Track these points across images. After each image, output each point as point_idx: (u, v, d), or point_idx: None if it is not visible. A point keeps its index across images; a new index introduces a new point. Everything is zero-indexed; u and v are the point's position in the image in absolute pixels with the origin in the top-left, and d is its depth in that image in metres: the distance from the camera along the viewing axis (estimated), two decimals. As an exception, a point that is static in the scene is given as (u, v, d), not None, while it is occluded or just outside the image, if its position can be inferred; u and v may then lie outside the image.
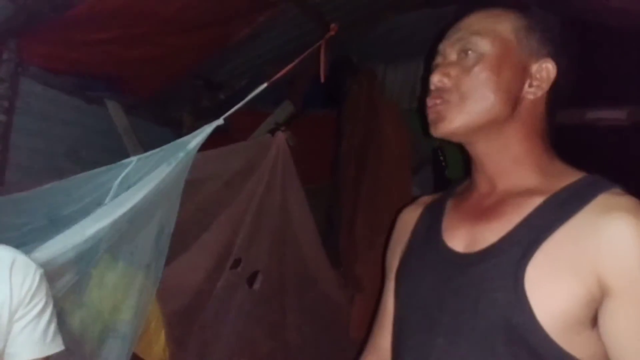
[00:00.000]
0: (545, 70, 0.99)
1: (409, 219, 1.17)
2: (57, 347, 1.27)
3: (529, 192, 0.97)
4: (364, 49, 3.42)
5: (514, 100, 0.99)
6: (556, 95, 1.01)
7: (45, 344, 1.24)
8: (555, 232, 0.90)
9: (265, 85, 1.66)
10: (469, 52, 1.00)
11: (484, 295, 0.92)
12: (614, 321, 0.86)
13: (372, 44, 3.45)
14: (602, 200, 0.90)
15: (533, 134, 1.01)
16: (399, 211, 1.22)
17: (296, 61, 1.64)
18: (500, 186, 1.01)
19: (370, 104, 3.04)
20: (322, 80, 1.76)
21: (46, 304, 1.26)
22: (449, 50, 1.04)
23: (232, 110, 1.63)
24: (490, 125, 1.00)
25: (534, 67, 0.99)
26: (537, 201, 0.94)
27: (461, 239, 1.01)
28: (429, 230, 1.09)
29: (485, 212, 1.00)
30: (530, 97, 1.00)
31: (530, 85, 0.99)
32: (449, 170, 3.18)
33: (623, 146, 3.16)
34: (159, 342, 2.18)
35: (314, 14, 2.93)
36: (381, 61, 3.52)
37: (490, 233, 0.96)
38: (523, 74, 0.99)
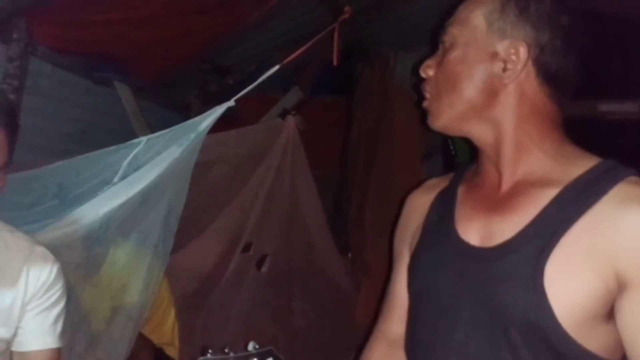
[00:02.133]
0: (517, 52, 0.96)
1: (418, 205, 1.15)
2: (62, 342, 1.27)
3: (543, 182, 0.95)
4: (375, 36, 3.38)
5: (490, 87, 0.97)
6: (548, 74, 0.98)
7: (54, 336, 1.25)
8: (573, 226, 0.89)
9: (277, 67, 1.65)
10: (445, 42, 1.02)
11: (503, 292, 0.92)
12: (632, 314, 0.86)
13: (383, 31, 3.42)
14: (620, 190, 0.89)
15: (529, 117, 0.98)
16: (406, 195, 1.20)
17: (310, 43, 1.63)
18: (509, 175, 1.00)
19: (382, 89, 3.02)
20: (335, 63, 1.74)
21: (60, 297, 1.26)
22: (439, 42, 1.05)
23: (244, 91, 1.62)
24: (473, 115, 0.99)
25: (505, 51, 0.97)
26: (552, 193, 0.93)
27: (476, 231, 0.99)
28: (441, 219, 1.07)
29: (500, 204, 0.99)
30: (507, 80, 0.97)
31: (505, 69, 0.97)
32: (458, 159, 3.17)
33: (635, 139, 3.14)
34: (168, 323, 2.20)
35: (325, -2, 2.90)
36: (392, 48, 3.49)
37: (507, 227, 0.95)
38: (493, 58, 0.97)
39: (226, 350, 1.09)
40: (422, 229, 1.11)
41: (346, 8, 1.71)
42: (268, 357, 1.14)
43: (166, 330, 2.21)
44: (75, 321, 1.56)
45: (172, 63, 3.04)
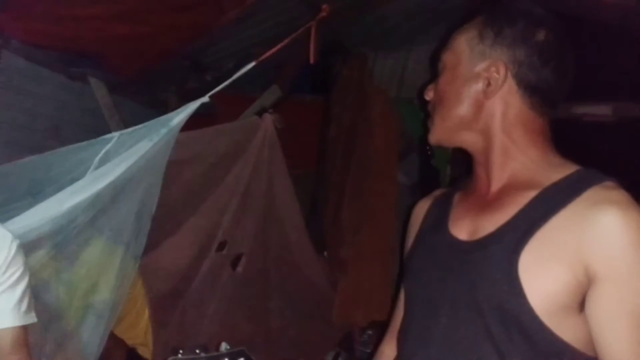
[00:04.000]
0: (496, 70, 1.07)
1: (420, 211, 1.27)
2: (31, 319, 1.26)
3: (526, 186, 1.03)
4: (354, 36, 3.40)
5: (475, 102, 1.09)
6: (528, 86, 1.07)
7: (19, 313, 1.23)
8: (548, 222, 0.96)
9: (253, 64, 1.64)
10: (439, 67, 1.16)
11: (481, 279, 1.00)
12: (597, 305, 0.92)
13: (363, 32, 3.43)
14: (593, 193, 0.95)
15: (514, 126, 1.08)
16: (412, 205, 1.32)
17: (286, 40, 1.62)
18: (497, 179, 1.09)
19: (360, 88, 3.03)
20: (312, 61, 1.74)
21: (22, 274, 1.24)
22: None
23: (219, 87, 1.60)
24: (464, 127, 1.10)
25: (486, 70, 1.08)
26: (532, 194, 1.01)
27: (465, 228, 1.09)
28: (437, 221, 1.17)
29: (488, 205, 1.08)
30: (491, 95, 1.07)
31: (488, 85, 1.07)
32: (435, 159, 3.20)
33: (608, 141, 3.19)
34: (141, 324, 2.17)
35: (304, -3, 2.89)
36: (372, 49, 3.51)
37: (489, 224, 1.04)
38: (476, 78, 1.08)
39: (197, 351, 1.09)
40: (419, 231, 1.24)
41: (324, 6, 1.71)
42: (240, 357, 1.14)
43: (139, 331, 2.18)
44: (45, 320, 1.53)
45: (150, 59, 3.00)
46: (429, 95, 1.17)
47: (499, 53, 1.07)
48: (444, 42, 1.17)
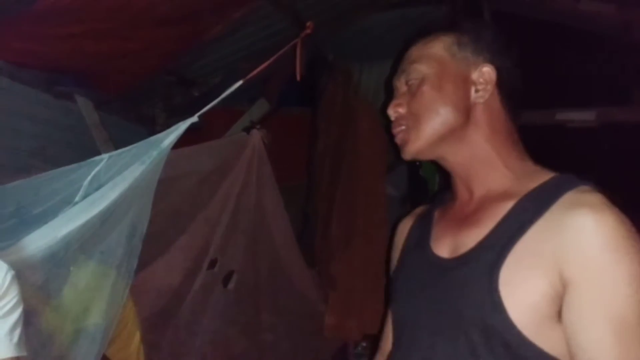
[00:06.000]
0: (486, 73, 1.07)
1: (402, 230, 1.26)
2: (22, 351, 1.24)
3: (502, 196, 1.02)
4: (339, 48, 3.42)
5: (464, 108, 1.07)
6: (507, 94, 1.09)
7: (11, 344, 1.21)
8: (526, 233, 0.95)
9: (240, 82, 1.64)
10: (412, 79, 1.11)
11: (463, 297, 0.98)
12: (572, 310, 0.90)
13: (348, 43, 3.45)
14: (568, 198, 0.95)
15: (495, 135, 1.07)
16: (396, 223, 1.30)
17: (271, 59, 1.62)
18: (477, 192, 1.08)
19: (345, 102, 3.05)
20: (298, 79, 1.75)
21: (15, 305, 1.23)
22: (399, 84, 1.14)
23: (207, 107, 1.60)
24: (450, 136, 1.08)
25: (474, 74, 1.08)
26: (509, 205, 1.00)
27: (446, 245, 1.08)
28: (419, 239, 1.16)
29: (467, 219, 1.07)
30: (480, 100, 1.07)
31: (477, 91, 1.07)
32: (423, 170, 3.21)
33: (592, 146, 3.23)
34: (133, 345, 2.14)
35: (288, 11, 2.91)
36: (357, 60, 3.53)
37: (470, 239, 1.02)
38: (465, 83, 1.08)
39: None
40: (402, 251, 1.22)
41: (308, 24, 1.71)
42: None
43: (131, 352, 2.16)
44: (37, 345, 1.52)
45: (136, 75, 3.00)
46: (399, 110, 1.11)
47: (481, 58, 1.07)
48: (406, 58, 1.14)
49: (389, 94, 1.17)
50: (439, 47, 1.10)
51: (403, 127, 1.10)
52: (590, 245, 0.89)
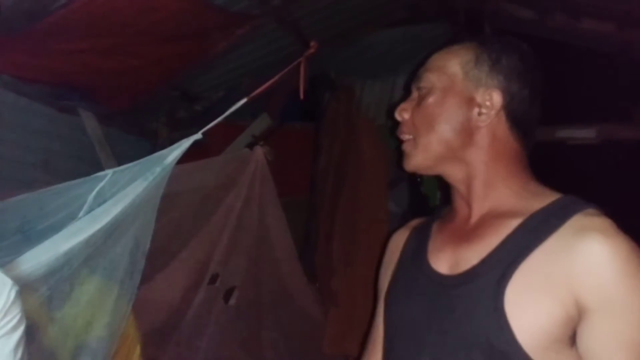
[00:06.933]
0: (490, 98, 1.05)
1: (398, 242, 1.23)
2: None
3: (507, 214, 1.01)
4: (341, 65, 3.44)
5: (465, 129, 1.06)
6: (516, 120, 1.06)
7: None
8: (532, 253, 0.94)
9: (245, 100, 1.65)
10: (421, 87, 1.10)
11: (466, 316, 0.96)
12: (591, 338, 0.90)
13: (350, 60, 3.48)
14: (576, 221, 0.94)
15: (499, 158, 1.06)
16: (389, 235, 1.28)
17: (275, 78, 1.64)
18: (478, 209, 1.07)
19: (348, 120, 3.07)
20: (302, 97, 1.76)
21: (18, 322, 1.22)
22: (413, 88, 1.14)
23: (211, 124, 1.62)
24: (448, 155, 1.07)
25: (481, 97, 1.06)
26: (514, 223, 0.99)
27: (445, 261, 1.05)
28: (416, 252, 1.14)
29: (467, 235, 1.05)
30: (482, 124, 1.05)
31: (480, 114, 1.05)
32: (425, 186, 3.22)
33: (593, 163, 3.24)
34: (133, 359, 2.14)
35: (292, 28, 2.94)
36: (359, 77, 3.56)
37: (472, 255, 1.01)
38: (469, 104, 1.06)
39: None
40: (397, 263, 1.19)
41: (312, 43, 1.73)
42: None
43: (131, 367, 2.16)
44: (38, 360, 1.52)
45: (140, 91, 3.02)
46: (403, 115, 1.12)
47: (495, 82, 1.05)
48: (426, 63, 1.13)
49: (407, 95, 1.17)
50: (455, 62, 1.08)
51: (407, 137, 1.11)
52: (607, 272, 0.89)
